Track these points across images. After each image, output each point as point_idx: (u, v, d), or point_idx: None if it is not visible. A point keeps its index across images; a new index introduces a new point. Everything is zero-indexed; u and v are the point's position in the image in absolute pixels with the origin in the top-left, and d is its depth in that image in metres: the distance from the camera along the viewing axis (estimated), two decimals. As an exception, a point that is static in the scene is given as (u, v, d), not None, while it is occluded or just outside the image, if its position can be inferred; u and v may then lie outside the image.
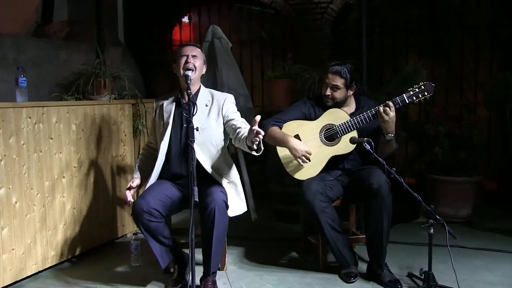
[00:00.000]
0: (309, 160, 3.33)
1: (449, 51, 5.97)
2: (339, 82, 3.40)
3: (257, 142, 2.76)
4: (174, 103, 3.29)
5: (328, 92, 3.44)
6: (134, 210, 3.01)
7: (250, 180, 4.92)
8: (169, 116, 3.25)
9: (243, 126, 3.14)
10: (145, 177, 3.35)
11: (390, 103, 3.23)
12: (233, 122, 3.21)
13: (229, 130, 3.26)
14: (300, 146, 3.35)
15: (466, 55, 5.89)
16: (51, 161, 3.52)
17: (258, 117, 2.70)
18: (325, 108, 3.49)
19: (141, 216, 2.98)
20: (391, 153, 3.41)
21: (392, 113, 3.22)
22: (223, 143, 3.30)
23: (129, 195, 3.19)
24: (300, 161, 3.33)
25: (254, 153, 2.90)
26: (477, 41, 5.83)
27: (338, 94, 3.43)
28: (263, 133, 2.72)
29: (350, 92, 3.46)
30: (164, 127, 3.25)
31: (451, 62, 5.98)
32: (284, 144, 3.39)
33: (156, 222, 3.01)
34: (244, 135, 2.99)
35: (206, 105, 3.26)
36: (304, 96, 3.80)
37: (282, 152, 3.47)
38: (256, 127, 2.69)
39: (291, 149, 3.36)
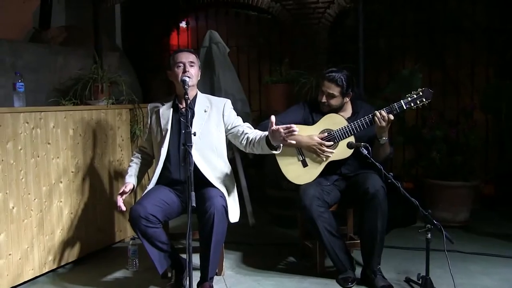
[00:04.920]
0: (327, 149, 3.35)
1: (446, 56, 5.99)
2: (335, 90, 3.39)
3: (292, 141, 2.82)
4: (172, 109, 3.28)
5: (324, 99, 3.45)
6: (131, 216, 3.01)
7: (248, 185, 4.92)
8: (167, 122, 3.24)
9: (250, 131, 3.19)
10: (137, 182, 3.35)
11: (383, 113, 3.22)
12: (238, 128, 3.25)
13: (234, 137, 3.27)
14: (311, 141, 3.36)
15: (463, 60, 5.90)
16: (48, 166, 3.52)
17: (273, 117, 2.81)
18: (323, 113, 3.49)
19: (138, 222, 2.97)
20: (386, 157, 3.42)
21: (388, 120, 3.22)
22: (222, 148, 3.31)
23: (120, 201, 3.12)
24: (320, 153, 3.34)
25: (275, 152, 2.95)
26: (473, 45, 5.85)
27: (334, 102, 3.43)
28: (297, 129, 2.77)
29: (347, 99, 3.47)
30: (162, 134, 3.23)
31: (447, 66, 6.00)
32: (297, 143, 3.33)
33: (153, 228, 3.00)
34: (258, 138, 3.05)
35: (205, 111, 3.26)
36: (301, 101, 3.81)
37: (279, 156, 3.47)
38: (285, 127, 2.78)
39: (304, 147, 3.38)
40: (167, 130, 3.22)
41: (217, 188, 3.14)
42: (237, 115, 3.37)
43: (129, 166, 3.43)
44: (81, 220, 3.83)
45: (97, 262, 3.87)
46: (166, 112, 3.28)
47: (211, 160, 3.22)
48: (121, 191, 3.22)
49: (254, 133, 3.15)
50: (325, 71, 3.49)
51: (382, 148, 3.36)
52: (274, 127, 2.81)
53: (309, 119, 3.53)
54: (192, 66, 3.18)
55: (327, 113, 3.47)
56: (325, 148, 3.34)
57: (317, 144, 3.35)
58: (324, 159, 3.36)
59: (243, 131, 3.21)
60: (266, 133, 2.97)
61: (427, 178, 4.77)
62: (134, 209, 3.00)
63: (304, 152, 3.43)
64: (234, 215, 3.19)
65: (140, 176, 3.40)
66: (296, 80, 4.84)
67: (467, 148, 4.66)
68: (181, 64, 3.16)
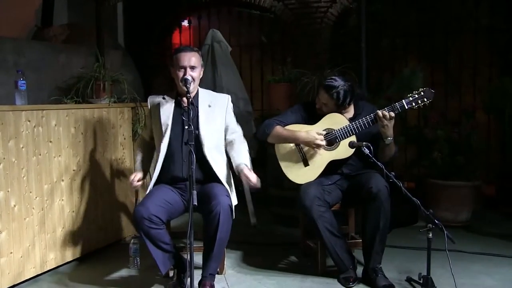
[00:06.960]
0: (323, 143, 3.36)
1: (448, 56, 5.99)
2: (330, 103, 3.38)
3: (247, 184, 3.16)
4: (173, 105, 3.28)
5: (318, 106, 3.46)
6: (134, 217, 3.01)
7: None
8: (168, 117, 3.23)
9: (236, 144, 3.33)
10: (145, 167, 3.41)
11: (385, 112, 3.23)
12: (232, 137, 3.34)
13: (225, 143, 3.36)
14: (309, 136, 3.35)
15: (465, 60, 5.90)
16: (50, 164, 3.52)
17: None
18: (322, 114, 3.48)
19: (141, 223, 2.97)
20: (391, 157, 3.42)
21: (391, 119, 3.22)
22: (222, 144, 3.34)
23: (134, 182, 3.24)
24: (316, 147, 3.35)
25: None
26: (476, 45, 5.85)
27: (329, 111, 3.42)
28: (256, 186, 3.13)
29: (343, 110, 3.44)
30: (163, 129, 3.22)
31: (450, 66, 5.99)
32: (294, 139, 3.39)
33: (157, 229, 3.00)
34: (233, 159, 3.28)
35: (209, 106, 3.28)
36: (303, 100, 3.80)
37: (281, 156, 3.47)
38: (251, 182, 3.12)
39: (302, 142, 3.38)
40: (167, 125, 3.21)
41: (222, 185, 3.15)
42: (239, 114, 3.38)
43: (136, 156, 3.51)
44: (83, 219, 3.84)
45: (99, 260, 3.87)
46: (167, 107, 3.26)
47: (216, 154, 3.23)
48: (130, 179, 3.26)
49: (235, 152, 3.30)
50: (326, 79, 3.45)
51: (387, 148, 3.35)
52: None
53: (310, 118, 3.52)
54: (193, 69, 3.16)
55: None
56: (319, 142, 3.33)
57: (312, 141, 3.34)
58: (318, 150, 3.36)
59: (232, 140, 3.33)
60: (238, 165, 3.22)
61: (429, 178, 4.77)
62: (137, 210, 3.00)
63: (305, 151, 3.43)
64: (233, 199, 3.23)
65: (147, 163, 3.44)
66: (299, 80, 4.83)
67: (469, 148, 4.66)
68: (182, 69, 3.15)
